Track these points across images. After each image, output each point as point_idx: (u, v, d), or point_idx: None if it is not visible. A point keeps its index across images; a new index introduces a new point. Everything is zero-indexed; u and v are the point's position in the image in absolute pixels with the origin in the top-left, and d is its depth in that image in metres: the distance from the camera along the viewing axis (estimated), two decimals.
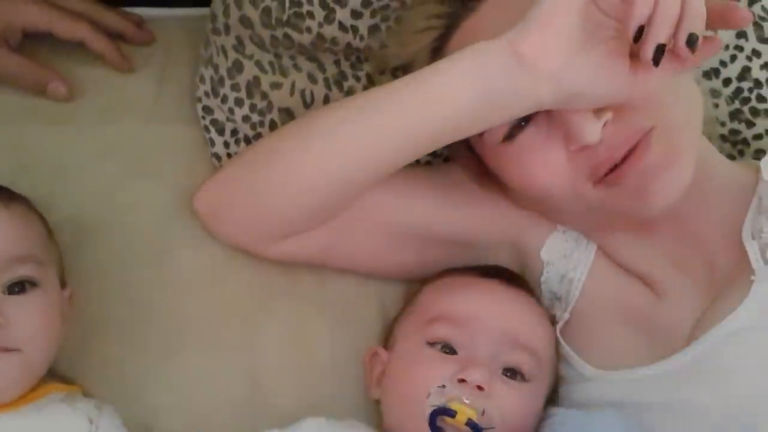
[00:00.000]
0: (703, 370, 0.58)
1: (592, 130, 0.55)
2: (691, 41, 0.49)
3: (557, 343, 0.67)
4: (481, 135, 0.61)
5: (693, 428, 0.56)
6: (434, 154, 0.74)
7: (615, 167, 0.57)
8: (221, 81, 0.71)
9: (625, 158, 0.56)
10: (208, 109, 0.73)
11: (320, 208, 0.64)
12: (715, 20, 0.50)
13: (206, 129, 0.74)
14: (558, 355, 0.67)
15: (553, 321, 0.69)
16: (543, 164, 0.59)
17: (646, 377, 0.60)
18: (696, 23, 0.49)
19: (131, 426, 0.64)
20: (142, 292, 0.70)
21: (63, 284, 0.64)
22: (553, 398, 0.66)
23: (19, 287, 0.58)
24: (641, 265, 0.65)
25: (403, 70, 0.67)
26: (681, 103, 0.59)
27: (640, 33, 0.49)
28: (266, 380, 0.69)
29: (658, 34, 0.49)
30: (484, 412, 0.59)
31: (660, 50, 0.49)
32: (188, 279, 0.71)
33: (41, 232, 0.63)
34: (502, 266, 0.69)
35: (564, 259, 0.68)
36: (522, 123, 0.59)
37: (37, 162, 0.72)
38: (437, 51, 0.64)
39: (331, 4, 0.68)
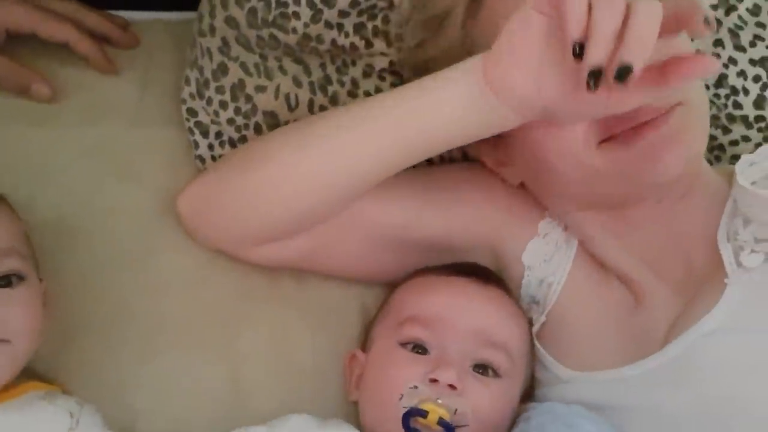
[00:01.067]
0: (676, 372, 0.58)
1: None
2: (621, 74, 0.44)
3: (533, 344, 0.68)
4: None
5: (666, 430, 0.57)
6: None
7: (636, 128, 0.57)
8: (206, 83, 0.71)
9: (647, 123, 0.57)
10: (192, 111, 0.73)
11: (310, 213, 0.65)
12: (680, 22, 0.46)
13: (190, 131, 0.74)
14: (533, 357, 0.68)
15: (529, 323, 0.69)
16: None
17: (621, 379, 0.61)
18: (637, 50, 0.44)
19: (112, 428, 0.63)
20: (123, 295, 0.70)
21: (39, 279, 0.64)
22: (528, 398, 0.67)
23: (5, 281, 0.59)
24: (620, 265, 0.66)
25: (437, 23, 0.67)
26: (703, 89, 0.61)
27: (581, 50, 0.45)
28: (247, 383, 0.69)
29: (592, 56, 0.45)
30: (456, 410, 0.59)
31: (593, 75, 0.45)
32: (169, 282, 0.71)
33: (21, 227, 0.64)
34: (476, 264, 0.70)
35: (544, 263, 0.69)
36: None
37: (19, 163, 0.72)
38: None
39: (319, 5, 0.68)
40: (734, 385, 0.56)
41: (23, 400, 0.60)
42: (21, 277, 0.60)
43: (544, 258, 0.69)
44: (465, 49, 0.65)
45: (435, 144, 0.59)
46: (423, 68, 0.66)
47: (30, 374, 0.63)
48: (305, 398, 0.69)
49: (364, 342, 0.70)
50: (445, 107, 0.56)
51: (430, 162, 0.74)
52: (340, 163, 0.61)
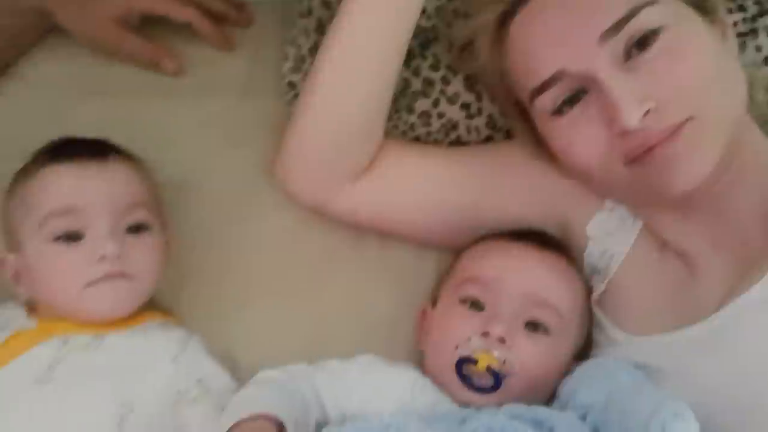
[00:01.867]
0: (716, 340, 0.60)
1: (633, 116, 0.59)
2: None
3: (588, 306, 0.71)
4: (532, 103, 0.66)
5: (704, 395, 0.58)
6: (494, 129, 0.78)
7: (647, 150, 0.60)
8: (303, 59, 0.79)
9: (657, 143, 0.60)
10: (292, 84, 0.81)
11: (354, 119, 0.71)
12: None
13: (290, 103, 0.82)
14: (590, 319, 0.71)
15: (589, 289, 0.72)
16: (583, 141, 0.63)
17: (668, 343, 0.63)
18: None
19: (214, 356, 0.73)
20: (229, 246, 0.80)
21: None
22: (583, 358, 0.70)
23: (135, 229, 0.70)
24: (682, 243, 0.67)
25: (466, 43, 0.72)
26: (723, 92, 0.61)
27: None
28: (328, 327, 0.78)
29: None
30: (505, 361, 0.64)
31: None
32: (268, 237, 0.81)
33: (152, 185, 0.75)
34: (537, 229, 0.73)
35: (607, 236, 0.71)
36: (571, 101, 0.64)
37: (149, 129, 0.83)
38: (503, 24, 0.68)
39: None
40: None
41: (144, 327, 0.71)
42: (147, 227, 0.71)
43: (608, 230, 0.71)
44: (497, 71, 0.69)
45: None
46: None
47: (152, 305, 0.75)
48: (379, 345, 0.75)
49: (434, 299, 0.76)
50: None
51: (508, 135, 0.78)
52: (353, 64, 0.69)
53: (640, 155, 0.61)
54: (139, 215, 0.71)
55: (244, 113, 0.85)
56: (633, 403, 0.57)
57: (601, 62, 0.60)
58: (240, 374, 0.73)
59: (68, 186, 0.69)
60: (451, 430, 0.58)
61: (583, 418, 0.61)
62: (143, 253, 0.70)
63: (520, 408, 0.62)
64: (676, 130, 0.59)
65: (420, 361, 0.73)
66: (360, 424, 0.60)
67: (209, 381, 0.70)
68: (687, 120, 0.59)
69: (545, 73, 0.63)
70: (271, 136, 0.82)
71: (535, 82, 0.64)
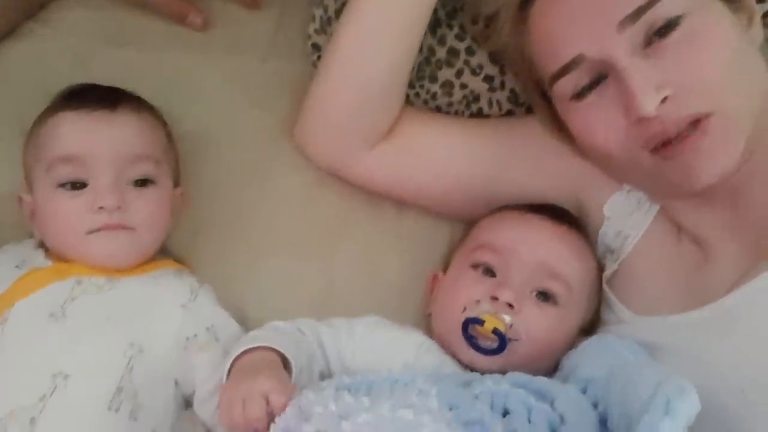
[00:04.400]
0: (725, 321, 0.60)
1: (649, 104, 0.59)
2: None
3: (599, 281, 0.72)
4: (552, 87, 0.66)
5: (708, 375, 0.58)
6: (516, 104, 0.79)
7: (668, 142, 0.61)
8: (329, 21, 0.79)
9: (678, 137, 0.60)
10: (316, 46, 0.82)
11: (376, 82, 0.72)
12: None
13: (314, 64, 0.82)
14: (599, 295, 0.72)
15: (601, 268, 0.73)
16: (603, 125, 0.64)
17: (676, 324, 0.64)
18: None
19: (227, 310, 0.74)
20: (246, 201, 0.81)
21: (176, 184, 0.76)
22: (589, 334, 0.70)
23: (140, 182, 0.71)
24: (699, 229, 0.68)
25: (489, 19, 0.72)
26: (743, 87, 0.61)
27: None
28: (340, 287, 0.79)
29: None
30: (511, 325, 0.65)
31: None
32: (285, 196, 0.82)
33: (162, 137, 0.75)
34: (554, 204, 0.74)
35: (624, 217, 0.72)
36: (591, 86, 0.64)
37: (173, 82, 0.83)
38: (525, 4, 0.68)
39: None
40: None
41: (157, 273, 0.73)
42: (153, 181, 0.72)
43: (625, 211, 0.72)
44: (519, 50, 0.70)
45: None
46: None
47: (167, 254, 0.76)
48: (389, 306, 0.77)
49: (446, 265, 0.76)
50: None
51: (528, 110, 0.78)
52: (370, 34, 0.70)
53: (667, 147, 0.61)
54: (145, 168, 0.71)
55: (267, 72, 0.85)
56: (635, 379, 0.58)
57: (619, 49, 0.61)
58: (249, 328, 0.73)
59: (75, 134, 0.69)
60: (457, 390, 0.59)
61: (584, 391, 0.62)
62: (146, 207, 0.70)
63: (524, 377, 0.63)
64: (699, 127, 0.59)
65: (426, 326, 0.74)
66: (370, 376, 0.61)
67: (218, 330, 0.71)
68: (708, 114, 0.59)
69: (564, 58, 0.63)
70: (293, 96, 0.82)
71: (555, 66, 0.65)
